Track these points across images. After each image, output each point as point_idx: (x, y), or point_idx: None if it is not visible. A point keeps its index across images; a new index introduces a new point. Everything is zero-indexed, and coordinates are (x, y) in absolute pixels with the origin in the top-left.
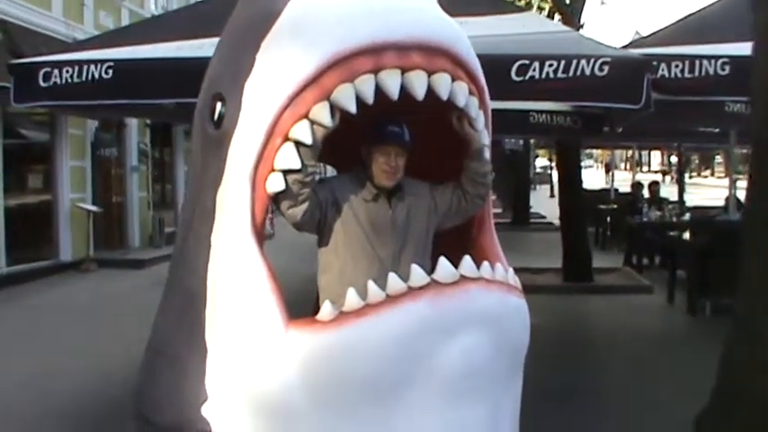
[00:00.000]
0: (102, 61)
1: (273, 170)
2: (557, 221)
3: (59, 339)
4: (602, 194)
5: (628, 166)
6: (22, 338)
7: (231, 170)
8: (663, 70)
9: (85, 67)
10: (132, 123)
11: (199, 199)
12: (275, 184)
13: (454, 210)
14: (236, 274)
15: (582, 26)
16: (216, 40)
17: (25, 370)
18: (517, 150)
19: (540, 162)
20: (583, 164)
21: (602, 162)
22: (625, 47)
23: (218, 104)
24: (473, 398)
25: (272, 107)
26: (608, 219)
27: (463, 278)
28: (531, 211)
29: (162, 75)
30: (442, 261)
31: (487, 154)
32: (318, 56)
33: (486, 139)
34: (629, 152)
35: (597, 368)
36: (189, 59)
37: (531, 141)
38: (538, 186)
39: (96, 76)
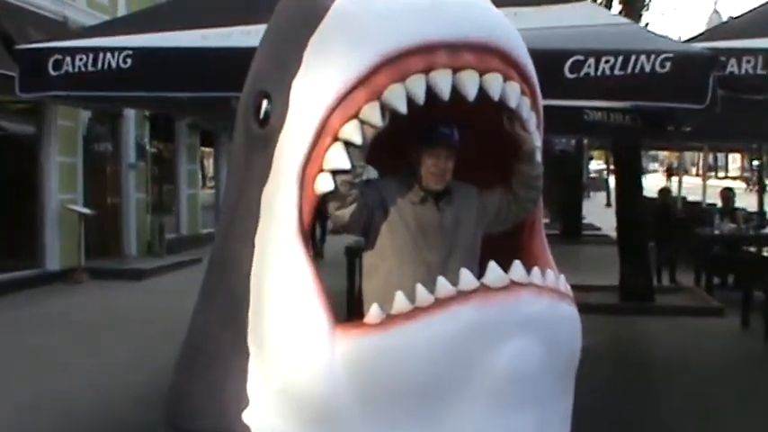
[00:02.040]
0: (120, 49)
1: (322, 170)
2: (613, 234)
3: (45, 361)
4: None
5: (700, 171)
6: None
7: (278, 170)
8: (732, 66)
9: (102, 55)
10: (130, 115)
11: (242, 198)
12: (324, 184)
13: (504, 214)
14: (282, 275)
15: (647, 6)
16: (244, 29)
17: (5, 394)
18: (568, 152)
19: (595, 165)
20: (646, 168)
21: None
22: (696, 37)
23: (264, 102)
24: (521, 405)
25: (321, 106)
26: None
27: (513, 283)
28: (584, 221)
29: (187, 66)
30: (492, 265)
31: (539, 156)
32: (369, 54)
33: (538, 141)
34: (701, 155)
35: (657, 400)
36: (216, 50)
37: (585, 141)
38: (592, 193)
39: (114, 65)
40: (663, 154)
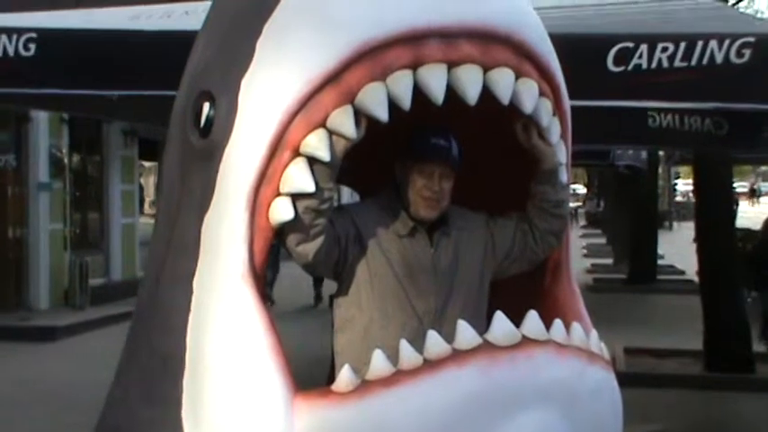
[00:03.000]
0: (21, 30)
1: (279, 194)
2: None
3: None
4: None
5: None
6: None
7: (223, 192)
8: None
9: None
10: (40, 118)
11: (176, 230)
12: (282, 211)
13: (518, 250)
14: (227, 329)
15: None
16: (185, 6)
17: None
18: (638, 167)
19: (684, 186)
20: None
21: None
22: None
23: (206, 105)
24: None
25: (278, 111)
26: None
27: (526, 340)
28: (661, 262)
29: (110, 54)
30: (499, 316)
31: (564, 175)
32: (340, 45)
33: (562, 155)
34: None
35: None
36: (148, 34)
37: (661, 153)
38: (676, 224)
39: (11, 51)
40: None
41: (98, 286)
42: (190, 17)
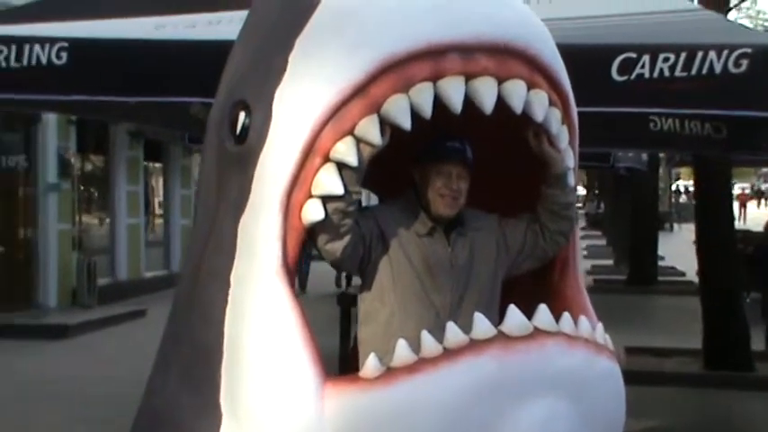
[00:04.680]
0: (53, 40)
1: (311, 196)
2: None
3: None
4: None
5: None
6: None
7: (258, 195)
8: None
9: (27, 48)
10: (49, 120)
11: (214, 229)
12: (313, 212)
13: (529, 249)
14: (263, 321)
15: None
16: (209, 16)
17: None
18: (638, 169)
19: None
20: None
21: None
22: None
23: (242, 114)
24: None
25: (309, 120)
26: None
27: (538, 331)
28: (662, 263)
29: (137, 63)
30: (512, 309)
31: (572, 179)
32: (367, 59)
33: (570, 160)
34: None
35: None
36: (174, 43)
37: (661, 155)
38: (677, 226)
39: (44, 60)
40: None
41: (105, 285)
42: (215, 27)
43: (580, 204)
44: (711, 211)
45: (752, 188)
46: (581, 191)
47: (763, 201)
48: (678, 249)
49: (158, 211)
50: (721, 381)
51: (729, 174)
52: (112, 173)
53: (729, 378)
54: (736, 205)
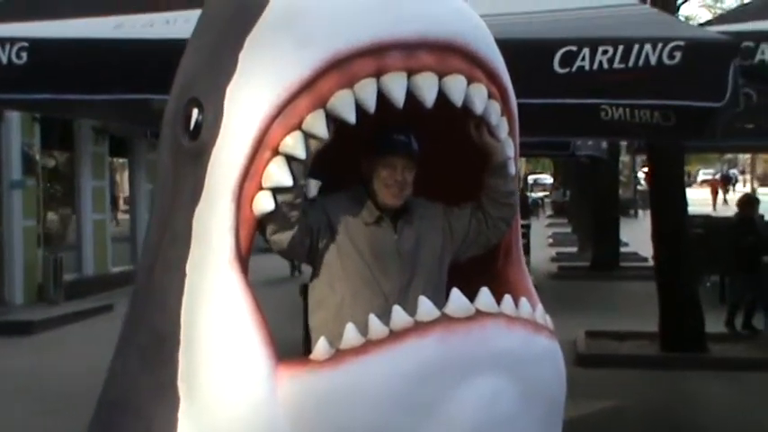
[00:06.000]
0: (13, 40)
1: (261, 188)
2: None
3: None
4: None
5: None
6: None
7: (211, 188)
8: (763, 53)
9: None
10: (13, 117)
11: (169, 221)
12: (264, 203)
13: (473, 236)
14: (217, 307)
15: None
16: (166, 15)
17: None
18: (599, 158)
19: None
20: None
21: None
22: (715, 20)
23: (195, 111)
24: None
25: (259, 115)
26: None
27: (480, 313)
28: (625, 249)
29: (97, 61)
30: (455, 292)
31: (512, 168)
32: (313, 56)
33: (510, 150)
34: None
35: None
36: (132, 42)
37: (623, 144)
38: (641, 212)
39: (5, 59)
40: (744, 157)
41: (71, 281)
42: (171, 26)
43: (546, 193)
44: (665, 198)
45: (724, 174)
46: (548, 179)
47: (731, 187)
48: (641, 236)
49: (124, 206)
50: (676, 362)
51: (682, 160)
52: (78, 169)
53: (684, 359)
54: (708, 192)
